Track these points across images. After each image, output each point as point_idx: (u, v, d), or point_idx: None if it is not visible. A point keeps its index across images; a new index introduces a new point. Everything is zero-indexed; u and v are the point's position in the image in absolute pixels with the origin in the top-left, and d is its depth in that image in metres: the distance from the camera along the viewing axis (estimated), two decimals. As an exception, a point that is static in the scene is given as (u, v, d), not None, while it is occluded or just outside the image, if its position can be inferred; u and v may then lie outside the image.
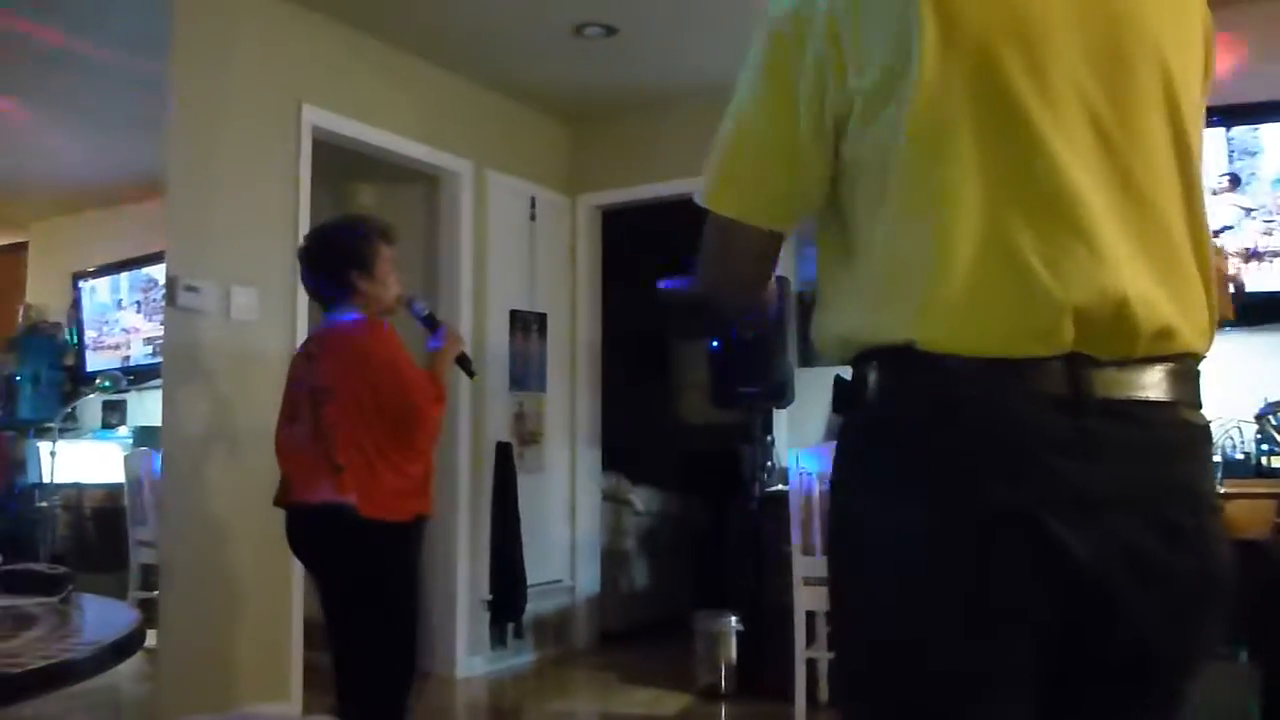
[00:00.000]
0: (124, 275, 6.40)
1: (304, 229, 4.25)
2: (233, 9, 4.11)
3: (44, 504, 5.43)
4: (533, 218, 5.57)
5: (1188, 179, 1.12)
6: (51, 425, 5.43)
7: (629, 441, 6.43)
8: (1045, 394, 1.03)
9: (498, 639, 5.14)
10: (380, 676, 2.82)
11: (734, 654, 4.59)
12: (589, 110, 5.66)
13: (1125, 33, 1.09)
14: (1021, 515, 1.01)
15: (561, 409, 5.71)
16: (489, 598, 5.09)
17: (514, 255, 5.45)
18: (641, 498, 6.20)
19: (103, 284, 6.55)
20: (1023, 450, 1.02)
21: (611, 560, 5.95)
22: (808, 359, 5.23)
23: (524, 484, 5.28)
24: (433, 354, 3.03)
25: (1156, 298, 1.05)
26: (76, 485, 5.90)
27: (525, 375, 5.46)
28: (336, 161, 4.86)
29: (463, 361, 3.16)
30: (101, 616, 1.70)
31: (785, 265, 5.31)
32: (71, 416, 6.00)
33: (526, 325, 5.50)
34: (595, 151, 5.82)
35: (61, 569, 1.79)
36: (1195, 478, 1.09)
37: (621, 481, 6.15)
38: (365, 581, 2.80)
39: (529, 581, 5.20)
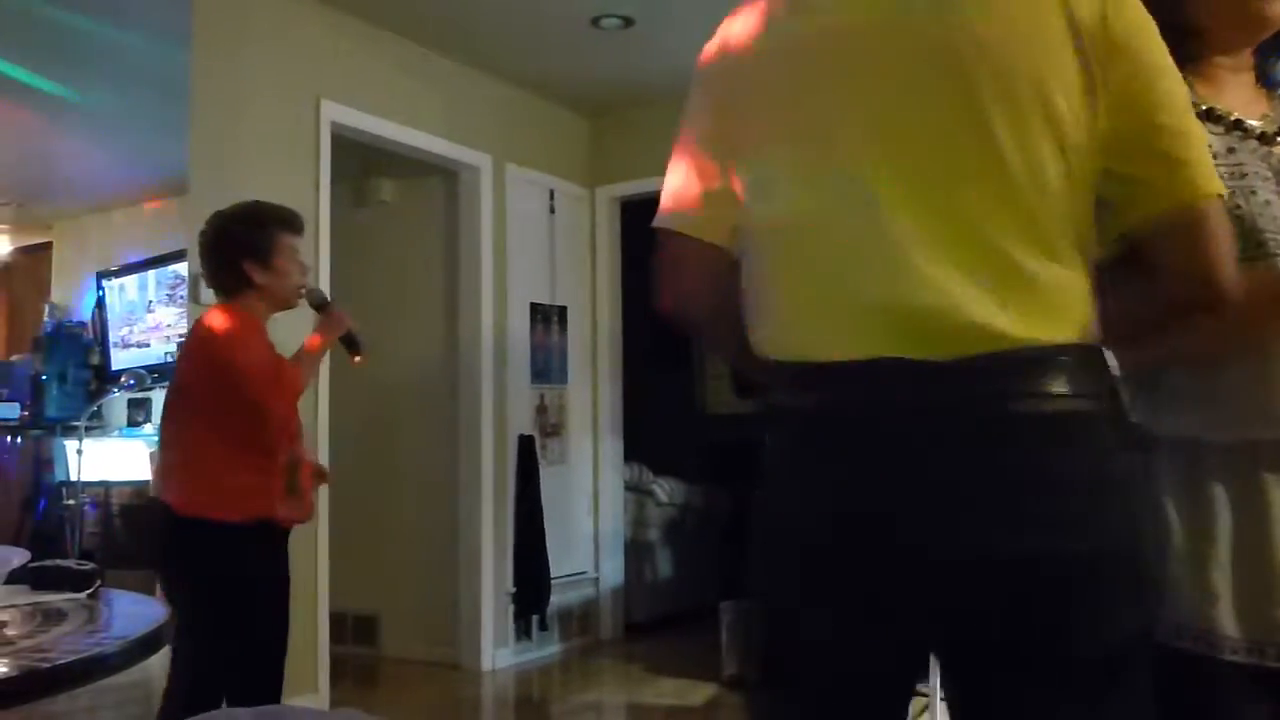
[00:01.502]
0: (151, 273, 6.46)
1: (324, 225, 4.27)
2: (251, 5, 4.12)
3: (72, 501, 5.49)
4: (552, 210, 5.57)
5: (1026, 170, 1.10)
6: (78, 424, 5.49)
7: (651, 432, 6.43)
8: (871, 399, 1.10)
9: (523, 631, 5.16)
10: (206, 692, 2.55)
11: (760, 644, 4.57)
12: (607, 102, 5.66)
13: (938, 50, 1.12)
14: (872, 515, 1.09)
15: (583, 401, 5.71)
16: (513, 590, 5.11)
17: (534, 248, 5.45)
18: (665, 488, 6.20)
19: (130, 282, 6.61)
20: (857, 452, 1.10)
21: (635, 551, 5.95)
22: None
23: (546, 476, 5.29)
24: (307, 341, 2.87)
25: (964, 298, 1.07)
26: (104, 483, 5.96)
27: (546, 368, 5.47)
28: (357, 156, 4.88)
29: (348, 341, 2.97)
30: (130, 611, 1.71)
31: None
32: (97, 415, 6.06)
33: (547, 318, 5.50)
34: (614, 143, 5.81)
35: (90, 565, 1.80)
36: (1046, 465, 1.07)
37: (644, 472, 6.15)
38: (189, 588, 2.61)
39: (553, 574, 5.22)
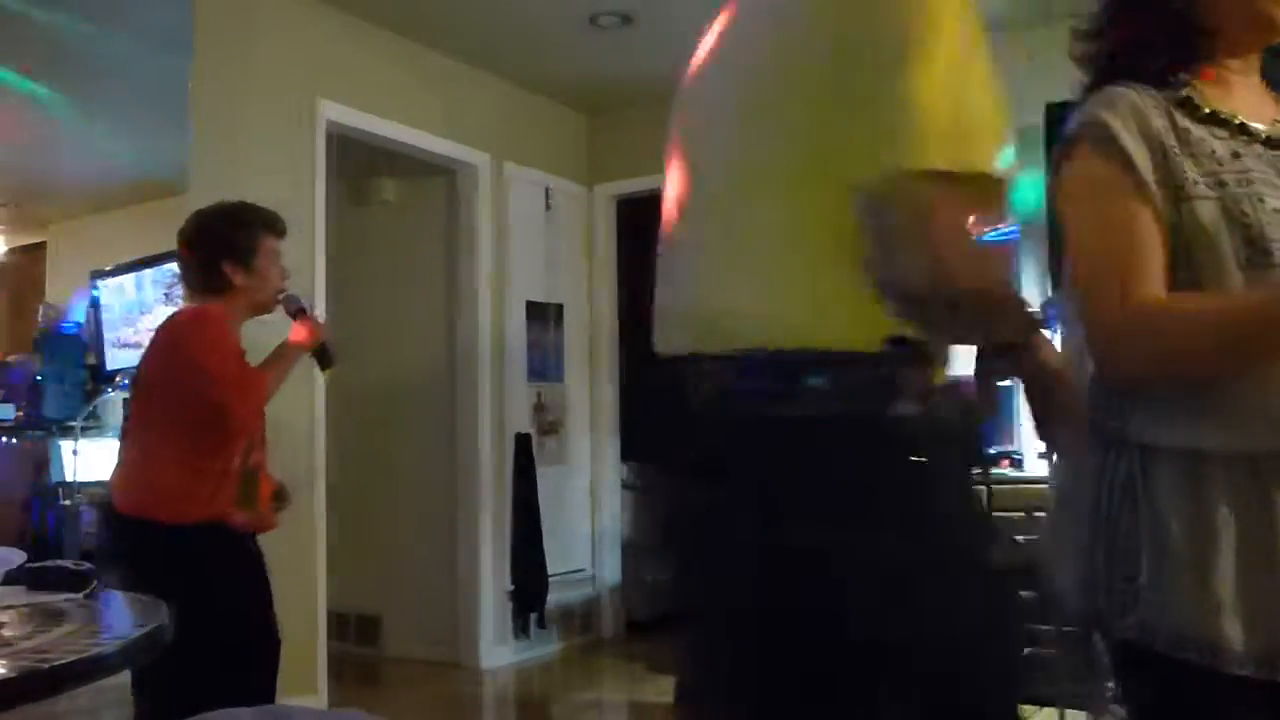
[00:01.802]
0: (148, 272, 6.43)
1: (320, 225, 4.26)
2: (252, 5, 4.11)
3: (68, 502, 5.47)
4: (549, 208, 5.56)
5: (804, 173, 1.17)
6: (74, 424, 5.47)
7: (648, 431, 6.40)
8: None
9: (521, 629, 5.15)
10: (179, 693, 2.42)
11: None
12: (605, 100, 5.65)
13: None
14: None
15: (581, 399, 5.71)
16: (511, 588, 5.10)
17: (531, 246, 5.44)
18: (662, 487, 6.17)
19: (127, 281, 6.58)
20: None
21: (634, 551, 5.94)
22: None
23: (544, 474, 5.28)
24: (278, 348, 2.79)
25: (729, 299, 1.13)
26: (101, 483, 5.93)
27: (543, 366, 5.46)
28: (359, 156, 4.87)
29: (320, 354, 2.90)
30: (128, 612, 1.71)
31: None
32: (94, 415, 6.04)
33: (544, 316, 5.49)
34: (612, 141, 5.80)
35: (87, 565, 1.80)
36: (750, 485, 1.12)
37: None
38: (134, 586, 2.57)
39: (551, 571, 5.21)
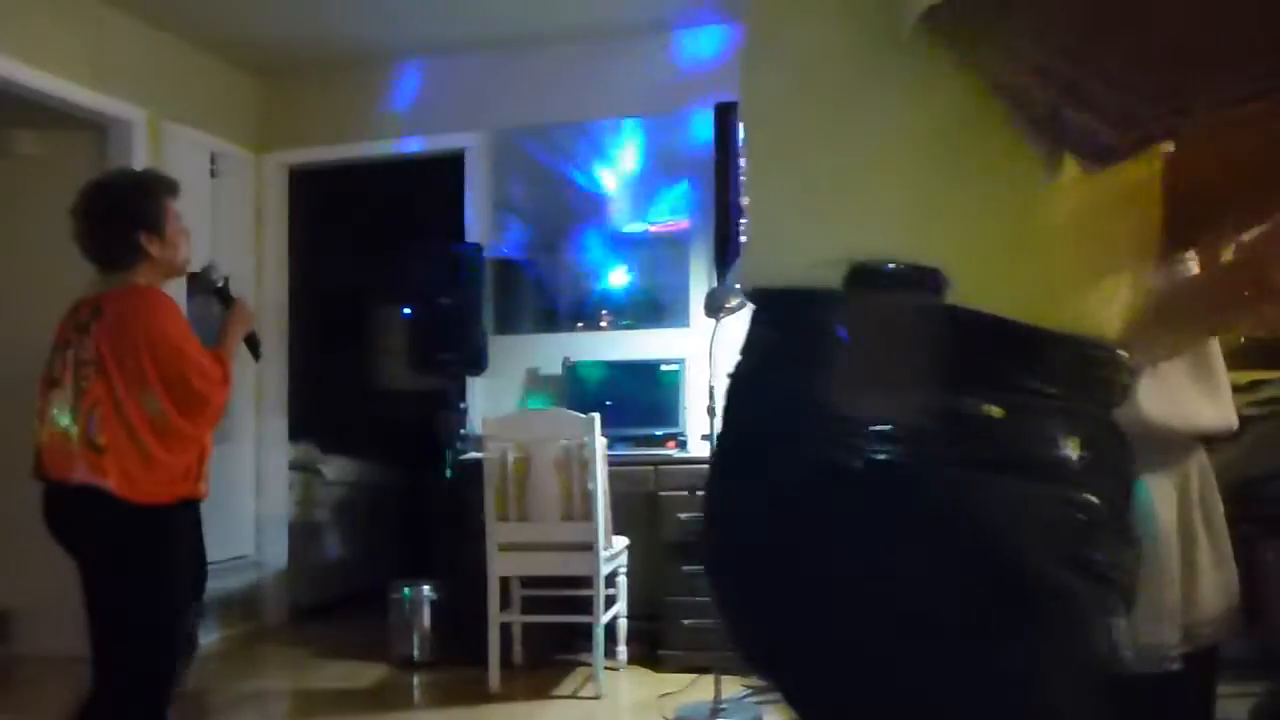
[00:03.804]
0: None
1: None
2: None
3: None
4: (214, 174, 5.24)
5: None
6: None
7: (321, 409, 6.23)
8: None
9: (176, 620, 4.85)
10: (139, 663, 2.65)
11: (428, 622, 4.57)
12: (280, 63, 5.37)
13: None
14: None
15: (245, 376, 5.42)
16: (166, 577, 4.79)
17: (194, 214, 5.07)
18: (333, 467, 6.03)
19: None
20: None
21: (302, 533, 5.75)
22: (503, 326, 5.26)
23: (206, 456, 4.99)
24: (221, 332, 2.89)
25: None
26: None
27: (205, 341, 5.12)
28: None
29: (251, 342, 3.02)
30: None
31: (480, 232, 5.31)
32: None
33: (207, 288, 5.17)
34: (285, 108, 5.54)
35: None
36: None
37: (312, 450, 5.95)
38: (124, 565, 2.64)
39: (210, 558, 4.93)
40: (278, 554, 5.56)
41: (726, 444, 0.89)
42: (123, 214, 2.72)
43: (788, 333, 0.83)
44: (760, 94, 0.91)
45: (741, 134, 4.52)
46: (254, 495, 5.45)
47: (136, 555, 2.64)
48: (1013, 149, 0.74)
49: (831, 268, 0.79)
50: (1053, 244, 0.79)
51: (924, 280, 0.76)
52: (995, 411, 0.75)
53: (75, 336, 2.71)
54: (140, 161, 4.77)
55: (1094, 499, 0.78)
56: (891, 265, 0.77)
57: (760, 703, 3.84)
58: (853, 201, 0.80)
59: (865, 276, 0.78)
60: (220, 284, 3.00)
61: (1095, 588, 0.77)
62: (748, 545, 0.84)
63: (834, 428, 0.76)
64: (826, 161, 0.81)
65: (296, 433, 5.78)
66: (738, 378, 0.89)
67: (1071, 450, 0.77)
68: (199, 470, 2.78)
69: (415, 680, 4.47)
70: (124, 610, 2.65)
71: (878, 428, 0.75)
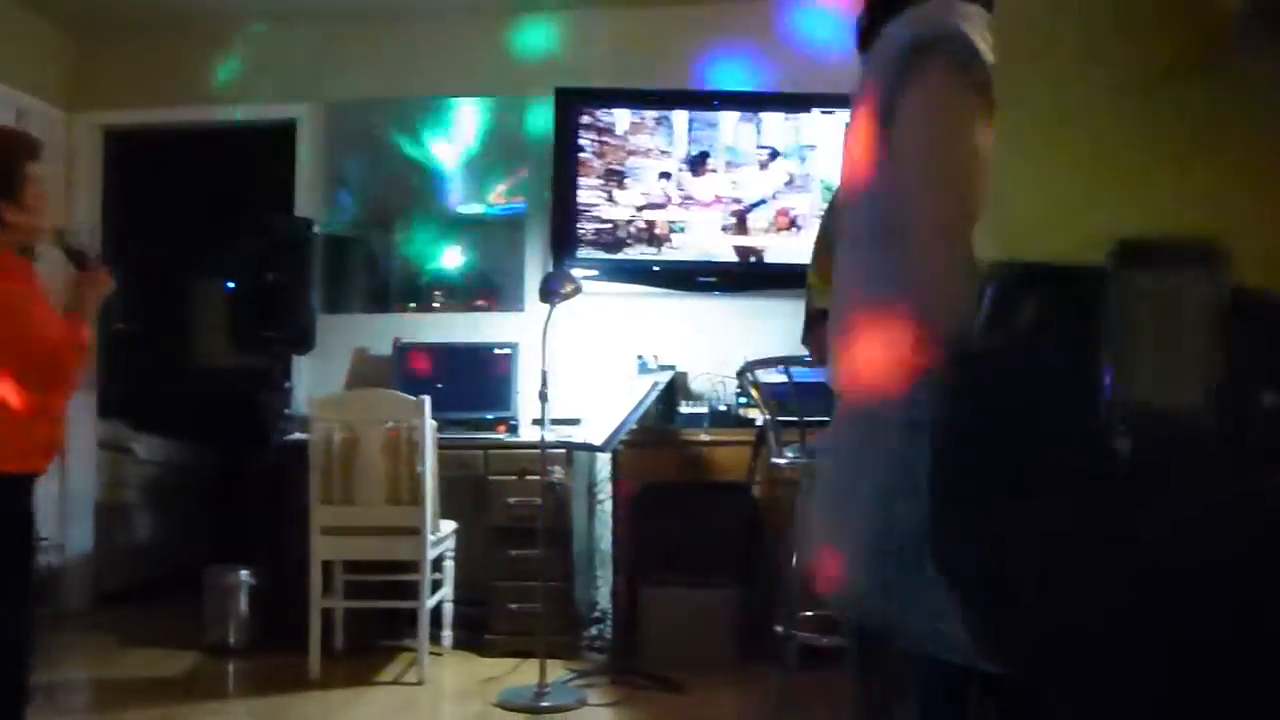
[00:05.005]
0: None
1: None
2: None
3: None
4: (21, 132, 4.91)
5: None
6: None
7: (135, 385, 5.93)
8: None
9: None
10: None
11: (245, 608, 4.42)
12: (95, 18, 5.06)
13: None
14: None
15: (52, 349, 5.12)
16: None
17: (-4, 173, 4.78)
18: (145, 446, 5.76)
19: None
20: None
21: (110, 514, 5.47)
22: (332, 305, 5.12)
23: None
24: (74, 297, 2.75)
25: None
26: None
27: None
28: None
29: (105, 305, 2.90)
30: None
31: (311, 207, 5.15)
32: None
33: (62, 248, 4.85)
34: (102, 66, 5.22)
35: None
36: None
37: (121, 429, 5.67)
38: None
39: None
40: (83, 536, 5.27)
41: (962, 417, 0.87)
42: None
43: (1060, 315, 0.80)
44: (1016, 77, 0.89)
45: (678, 120, 4.43)
46: (56, 474, 5.15)
47: None
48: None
49: (1099, 247, 0.75)
50: None
51: (1202, 257, 0.72)
52: None
53: None
54: (-65, 114, 4.44)
55: None
56: (1165, 243, 0.73)
57: (583, 686, 3.87)
58: (1119, 178, 0.78)
59: (1137, 255, 0.74)
60: (79, 248, 2.83)
61: None
62: (1030, 531, 0.81)
63: (1111, 412, 0.73)
64: (1089, 140, 0.79)
65: (106, 409, 5.49)
66: (984, 354, 0.85)
67: None
68: (52, 442, 2.71)
69: (230, 668, 4.32)
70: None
71: (1155, 414, 0.72)
